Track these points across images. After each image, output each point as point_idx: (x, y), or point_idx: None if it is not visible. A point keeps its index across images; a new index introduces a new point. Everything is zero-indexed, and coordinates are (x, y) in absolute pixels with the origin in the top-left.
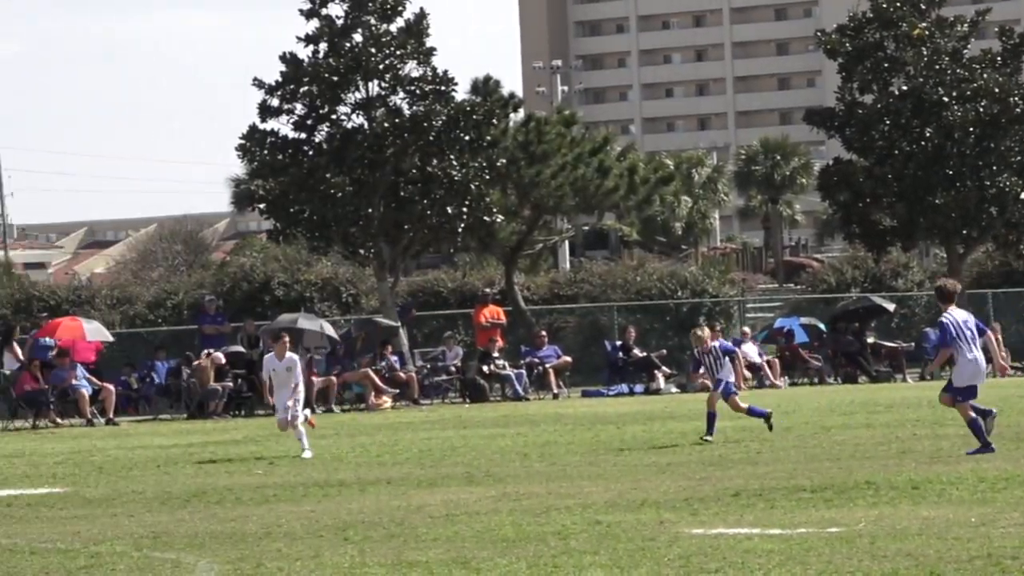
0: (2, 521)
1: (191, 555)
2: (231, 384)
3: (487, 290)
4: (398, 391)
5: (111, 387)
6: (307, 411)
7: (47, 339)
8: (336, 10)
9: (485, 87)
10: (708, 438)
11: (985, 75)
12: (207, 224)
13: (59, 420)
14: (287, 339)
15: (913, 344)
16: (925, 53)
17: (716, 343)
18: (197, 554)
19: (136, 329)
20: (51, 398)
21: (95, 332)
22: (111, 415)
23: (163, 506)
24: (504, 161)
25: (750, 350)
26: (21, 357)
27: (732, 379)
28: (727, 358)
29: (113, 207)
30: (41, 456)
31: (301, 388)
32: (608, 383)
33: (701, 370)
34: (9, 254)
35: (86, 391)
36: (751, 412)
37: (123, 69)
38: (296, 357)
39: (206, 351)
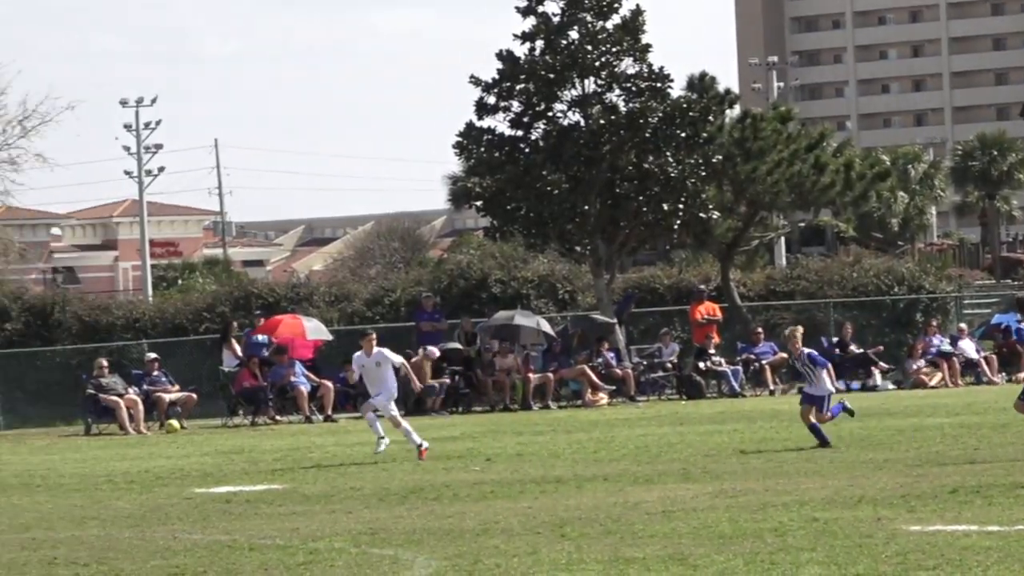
0: (221, 517)
1: (409, 551)
2: (448, 380)
3: (703, 286)
4: (614, 387)
5: (329, 384)
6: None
7: (261, 336)
8: (552, 7)
9: (701, 84)
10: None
11: None
12: (424, 221)
13: (278, 417)
14: (373, 336)
15: None
16: None
17: (806, 350)
18: (415, 550)
19: (354, 326)
20: (270, 395)
21: (315, 331)
22: (329, 411)
23: (381, 502)
24: (720, 157)
25: (967, 346)
26: (240, 354)
27: (828, 394)
28: (822, 370)
29: (331, 205)
30: (260, 453)
31: (393, 386)
32: None
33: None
34: (228, 252)
35: (304, 388)
36: (814, 429)
37: (340, 67)
38: (385, 352)
39: (422, 347)
